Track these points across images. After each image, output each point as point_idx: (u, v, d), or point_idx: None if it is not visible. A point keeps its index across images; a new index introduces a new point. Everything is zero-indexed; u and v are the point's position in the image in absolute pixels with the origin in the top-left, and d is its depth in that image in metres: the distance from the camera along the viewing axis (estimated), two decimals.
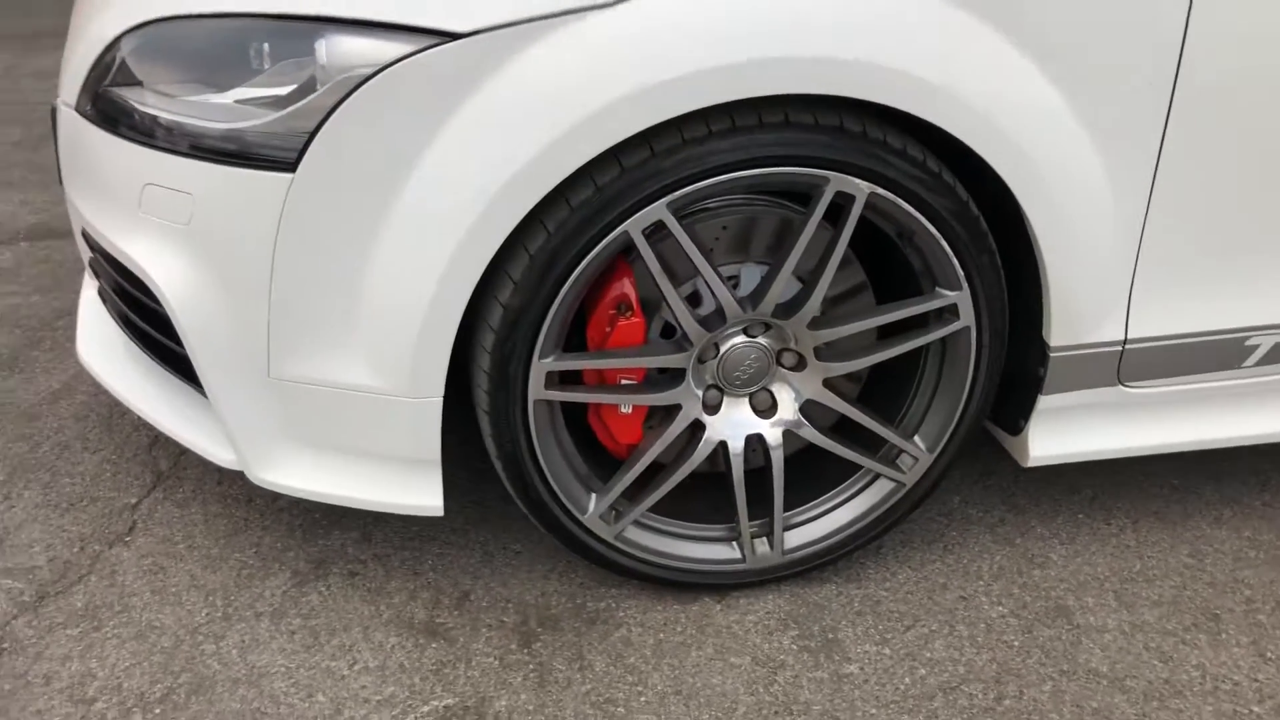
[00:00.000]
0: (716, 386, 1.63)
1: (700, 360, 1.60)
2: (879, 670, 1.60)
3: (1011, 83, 1.42)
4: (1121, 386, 1.69)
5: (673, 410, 1.61)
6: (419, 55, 1.34)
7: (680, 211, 1.47)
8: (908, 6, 1.37)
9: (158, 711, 1.53)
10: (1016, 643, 1.65)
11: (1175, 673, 1.60)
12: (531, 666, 1.61)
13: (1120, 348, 1.64)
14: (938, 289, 1.56)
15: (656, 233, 1.45)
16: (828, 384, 1.65)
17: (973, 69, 1.40)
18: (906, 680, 1.59)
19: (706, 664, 1.61)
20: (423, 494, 1.59)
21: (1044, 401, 1.68)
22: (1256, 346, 1.68)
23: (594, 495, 1.63)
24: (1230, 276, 1.62)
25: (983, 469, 2.02)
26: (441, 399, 1.51)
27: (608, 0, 1.33)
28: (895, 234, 1.54)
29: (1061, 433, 1.72)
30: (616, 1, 1.33)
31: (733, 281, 1.61)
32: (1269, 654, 1.63)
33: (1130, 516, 1.91)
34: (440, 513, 1.58)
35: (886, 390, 1.75)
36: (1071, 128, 1.46)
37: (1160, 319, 1.63)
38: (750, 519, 1.70)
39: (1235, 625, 1.68)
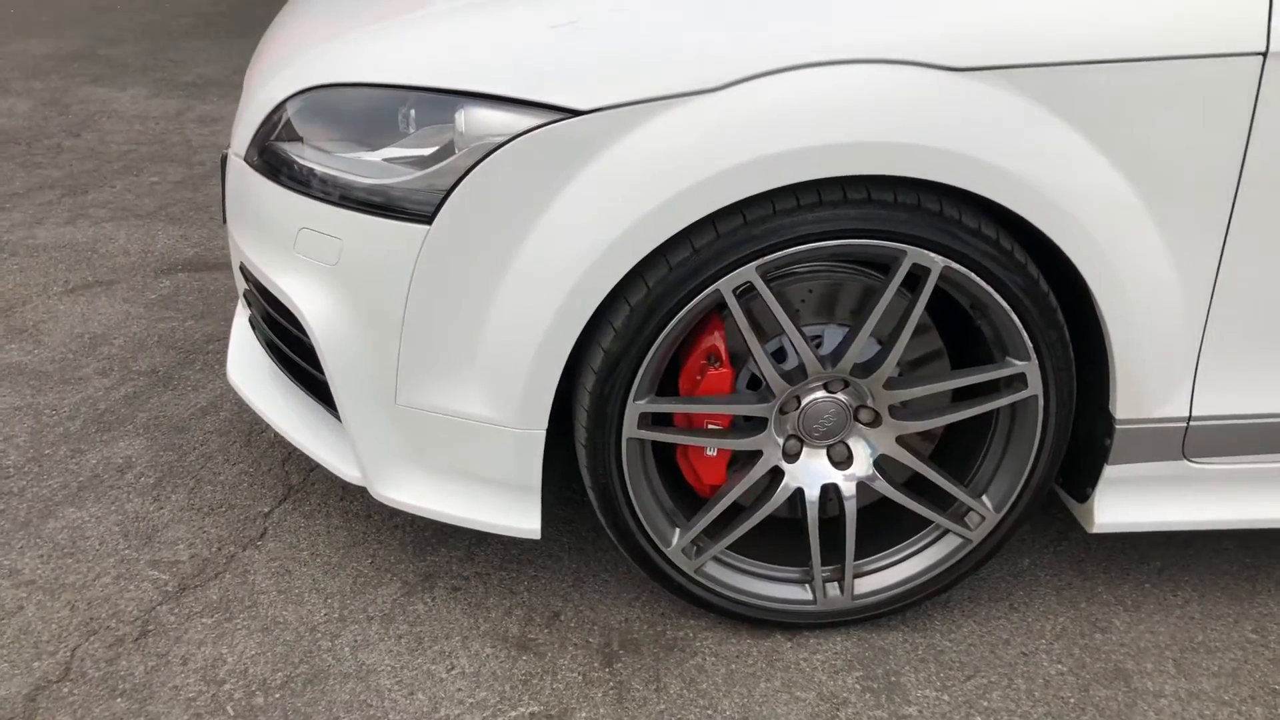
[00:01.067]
0: (797, 437, 1.76)
1: (782, 411, 1.73)
2: (937, 715, 1.70)
3: (1085, 175, 1.54)
4: (1186, 461, 1.77)
5: (754, 456, 1.75)
6: (545, 128, 1.53)
7: (769, 274, 1.62)
8: (995, 106, 1.50)
9: (277, 696, 1.71)
10: (1072, 699, 1.73)
11: None
12: (611, 684, 1.75)
13: (1185, 424, 1.72)
14: (1008, 358, 1.68)
15: (746, 293, 1.61)
16: (902, 441, 1.77)
17: (1049, 161, 1.52)
18: None
19: (773, 695, 1.73)
20: (523, 517, 1.75)
21: (1110, 471, 1.77)
22: None
23: (678, 530, 1.77)
24: None
25: (1055, 535, 2.10)
26: (545, 432, 1.67)
27: (712, 85, 1.50)
28: (969, 305, 1.67)
29: (1127, 502, 1.80)
30: (721, 87, 1.50)
31: (816, 340, 1.75)
32: None
33: (1197, 589, 1.96)
34: (537, 536, 1.74)
35: (958, 450, 1.86)
36: (1141, 219, 1.57)
37: (1224, 399, 1.71)
38: (823, 564, 1.82)
39: None
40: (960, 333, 1.81)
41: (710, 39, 1.52)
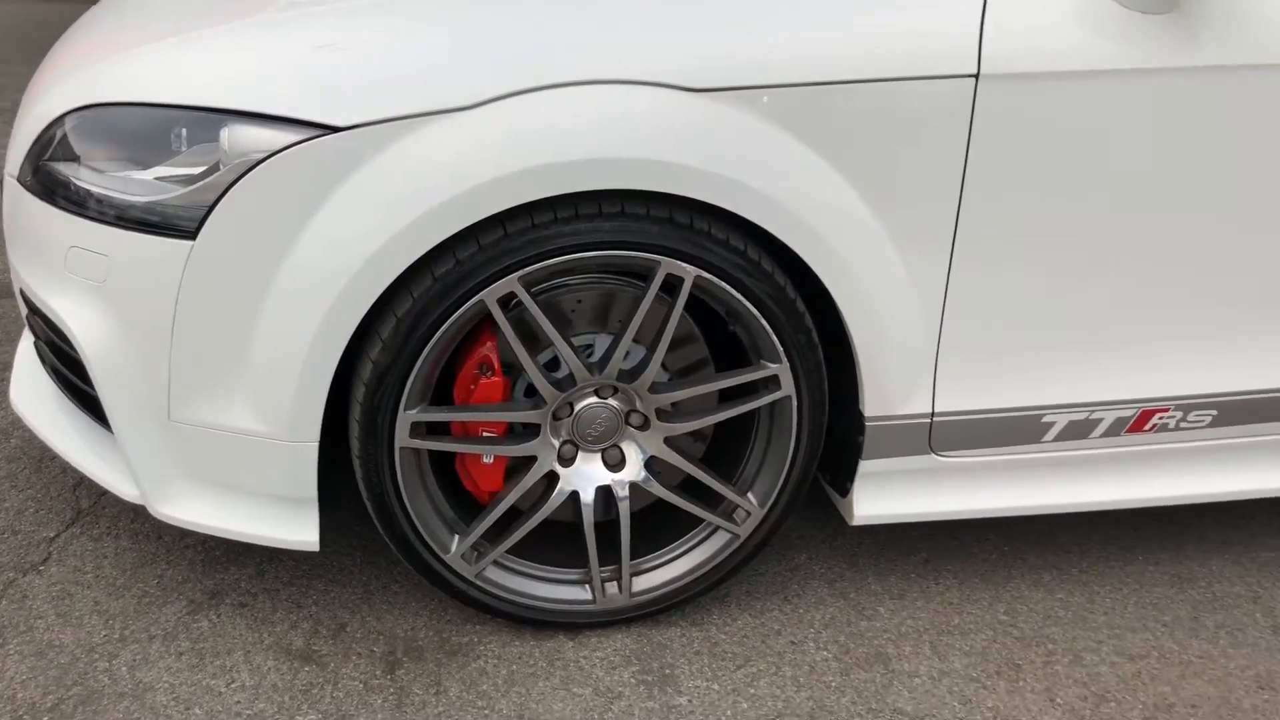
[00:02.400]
0: (572, 441, 1.83)
1: (556, 417, 1.80)
2: (705, 703, 1.78)
3: (822, 190, 1.65)
4: (934, 455, 1.90)
5: (529, 461, 1.81)
6: (304, 144, 1.57)
7: (535, 285, 1.69)
8: (734, 125, 1.60)
9: (46, 719, 1.69)
10: (834, 683, 1.83)
11: (971, 713, 1.78)
12: (392, 690, 1.78)
13: (929, 420, 1.85)
14: (762, 361, 1.78)
15: (517, 303, 1.67)
16: (671, 443, 1.85)
17: (787, 177, 1.63)
18: (729, 713, 1.76)
19: (551, 693, 1.79)
20: (300, 530, 1.77)
21: (865, 466, 1.89)
22: (1053, 424, 1.89)
23: (457, 537, 1.82)
24: (1024, 362, 1.84)
25: (832, 530, 2.21)
26: (317, 444, 1.70)
27: (466, 104, 1.56)
28: (724, 312, 1.76)
29: (883, 495, 1.92)
30: (473, 105, 1.56)
31: (588, 348, 1.82)
32: (1058, 699, 1.82)
33: (958, 577, 2.10)
34: (315, 548, 1.77)
35: (727, 451, 1.95)
36: (876, 231, 1.69)
37: (964, 395, 1.85)
38: (602, 564, 1.89)
39: (1033, 674, 1.87)
40: (731, 339, 1.91)
41: (465, 59, 1.58)
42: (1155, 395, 1.89)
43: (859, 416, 1.84)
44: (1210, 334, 1.87)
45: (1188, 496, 2.00)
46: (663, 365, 1.84)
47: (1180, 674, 1.89)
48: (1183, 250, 1.80)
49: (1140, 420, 1.91)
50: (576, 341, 1.80)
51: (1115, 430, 1.92)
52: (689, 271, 1.67)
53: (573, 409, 1.80)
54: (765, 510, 1.88)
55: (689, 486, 1.90)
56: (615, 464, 1.86)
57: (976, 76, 1.64)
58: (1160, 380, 1.89)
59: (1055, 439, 1.91)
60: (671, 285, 1.70)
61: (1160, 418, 1.92)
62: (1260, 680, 1.88)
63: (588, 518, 1.84)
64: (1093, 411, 1.89)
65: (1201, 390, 1.90)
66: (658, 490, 1.85)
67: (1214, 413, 1.93)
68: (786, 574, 2.09)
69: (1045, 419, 1.89)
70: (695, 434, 1.93)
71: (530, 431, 1.79)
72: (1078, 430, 1.91)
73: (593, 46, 1.59)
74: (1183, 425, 1.93)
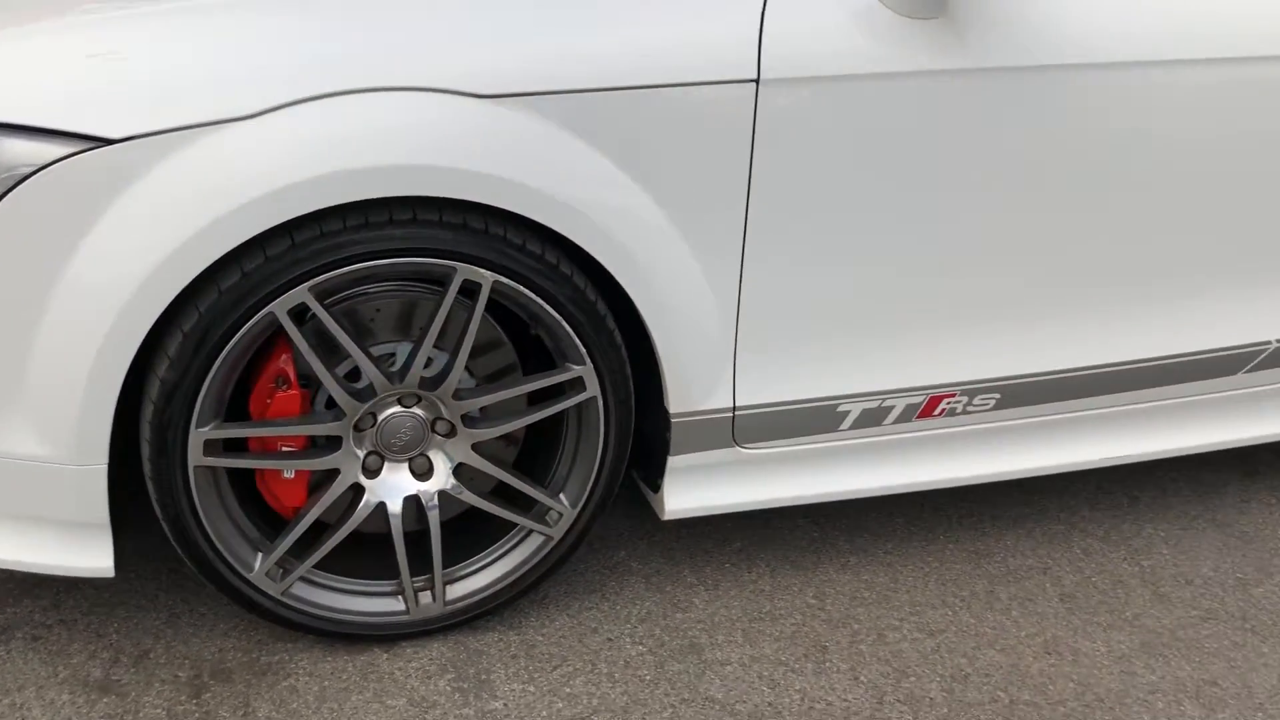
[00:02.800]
0: (377, 452, 1.81)
1: (358, 429, 1.78)
2: (521, 705, 1.79)
3: (614, 193, 1.68)
4: (739, 448, 1.95)
5: (332, 474, 1.78)
6: (76, 157, 1.51)
7: (329, 295, 1.67)
8: (523, 130, 1.61)
9: None
10: (648, 676, 1.87)
11: (780, 696, 1.84)
12: (197, 715, 1.73)
13: (731, 414, 1.91)
14: (566, 364, 1.80)
15: (313, 313, 1.64)
16: (481, 448, 1.85)
17: (578, 181, 1.65)
18: (544, 714, 1.78)
19: (364, 706, 1.77)
20: (93, 557, 1.70)
21: (674, 462, 1.93)
22: (848, 412, 1.97)
23: (260, 555, 1.78)
24: (818, 354, 1.91)
25: (651, 527, 2.25)
26: (106, 466, 1.64)
27: (245, 113, 1.53)
28: (526, 316, 1.78)
29: (692, 489, 1.97)
30: (253, 115, 1.53)
31: (390, 357, 1.81)
32: (862, 678, 1.89)
33: (770, 565, 2.17)
34: (111, 574, 1.70)
35: (540, 454, 1.97)
36: (669, 232, 1.73)
37: (763, 388, 1.91)
38: (416, 574, 1.88)
39: (840, 655, 1.94)
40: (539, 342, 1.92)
41: (248, 68, 1.55)
42: (942, 382, 1.99)
43: (665, 414, 1.88)
44: (991, 321, 1.98)
45: (978, 477, 2.11)
46: (469, 371, 1.84)
47: (975, 645, 1.99)
48: (960, 243, 1.89)
49: (929, 406, 2.01)
50: (378, 350, 1.78)
51: (907, 416, 2.01)
52: (486, 277, 1.68)
53: (376, 419, 1.78)
54: (577, 511, 1.90)
55: (501, 492, 1.91)
56: (423, 473, 1.85)
57: (757, 81, 1.69)
58: (946, 367, 1.99)
59: (852, 427, 1.99)
60: (472, 291, 1.70)
61: (948, 403, 2.02)
62: (1047, 646, 2.00)
63: (396, 528, 1.83)
64: (885, 399, 1.98)
65: (985, 375, 2.01)
66: (468, 498, 1.85)
67: (997, 396, 2.04)
68: (605, 572, 2.12)
69: (841, 408, 1.96)
70: (507, 438, 1.94)
71: (332, 444, 1.77)
72: (872, 418, 1.99)
73: (379, 54, 1.58)
74: (969, 409, 2.04)
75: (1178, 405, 2.21)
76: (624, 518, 2.27)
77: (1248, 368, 2.20)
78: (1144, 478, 2.53)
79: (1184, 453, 2.25)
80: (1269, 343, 2.18)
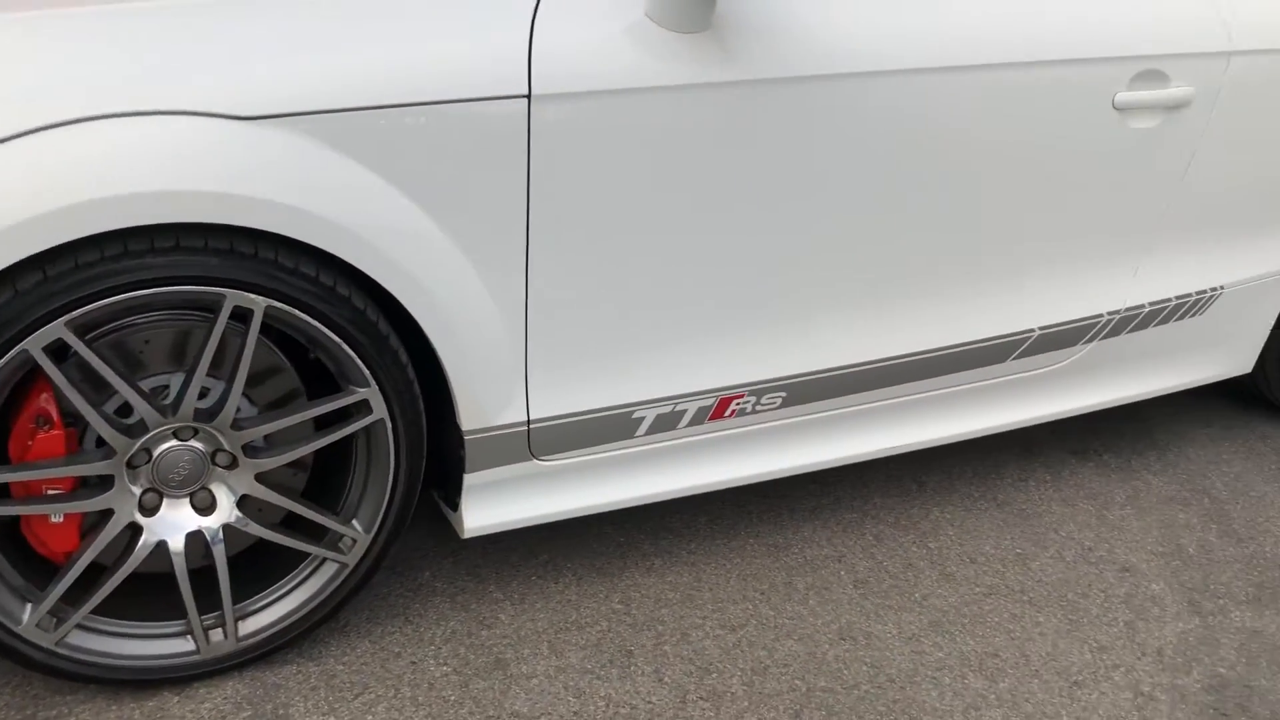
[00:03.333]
0: (155, 489, 1.74)
1: (132, 465, 1.70)
2: None
3: (388, 212, 1.65)
4: (536, 460, 1.96)
5: (106, 514, 1.70)
6: None
7: (91, 329, 1.59)
8: (289, 151, 1.57)
9: None
10: (453, 697, 1.85)
11: (585, 705, 1.86)
12: None
13: (526, 427, 1.91)
14: (351, 386, 1.77)
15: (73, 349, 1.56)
16: (266, 478, 1.80)
17: (350, 200, 1.62)
18: None
19: None
20: None
21: (471, 479, 1.92)
22: (643, 418, 2.00)
23: (30, 605, 1.68)
24: (610, 364, 1.93)
25: (457, 545, 2.23)
26: None
27: None
28: (305, 340, 1.74)
29: (491, 505, 1.96)
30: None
31: (163, 390, 1.73)
32: (666, 678, 1.93)
33: (576, 574, 2.18)
34: None
35: (332, 479, 1.92)
36: (449, 249, 1.72)
37: (557, 400, 1.92)
38: (206, 611, 1.81)
39: (644, 658, 1.97)
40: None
41: None
42: (730, 383, 2.04)
43: (458, 431, 1.87)
44: (773, 322, 2.04)
45: (771, 473, 2.18)
46: (250, 399, 1.78)
47: (775, 636, 2.05)
48: (739, 248, 1.95)
49: (720, 407, 2.06)
50: (151, 383, 1.71)
51: (700, 419, 2.06)
52: (258, 302, 1.63)
53: (151, 455, 1.71)
54: (372, 536, 1.87)
55: (293, 521, 1.86)
56: (205, 508, 1.78)
57: (528, 96, 1.70)
58: (734, 369, 2.04)
59: (648, 432, 2.02)
60: (247, 317, 1.65)
61: (738, 403, 2.07)
62: (842, 632, 2.08)
63: (179, 566, 1.76)
64: (677, 403, 2.02)
65: (771, 375, 2.08)
66: (255, 530, 1.79)
67: (784, 394, 2.11)
68: (409, 594, 2.09)
69: (635, 415, 1.99)
70: (296, 465, 1.89)
71: (104, 483, 1.69)
72: (666, 422, 2.03)
73: (134, 78, 1.51)
74: (759, 409, 2.10)
75: (956, 393, 2.34)
76: (428, 536, 2.25)
77: (1015, 355, 2.34)
78: (931, 463, 2.66)
79: (964, 438, 2.38)
80: (1032, 330, 2.32)
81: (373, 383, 1.76)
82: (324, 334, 1.69)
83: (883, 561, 2.29)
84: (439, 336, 1.76)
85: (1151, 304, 2.45)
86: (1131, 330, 2.47)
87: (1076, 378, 2.48)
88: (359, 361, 1.73)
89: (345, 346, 1.71)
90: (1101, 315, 2.40)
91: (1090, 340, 2.42)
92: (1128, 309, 2.42)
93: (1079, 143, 2.18)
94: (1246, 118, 2.36)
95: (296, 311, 1.66)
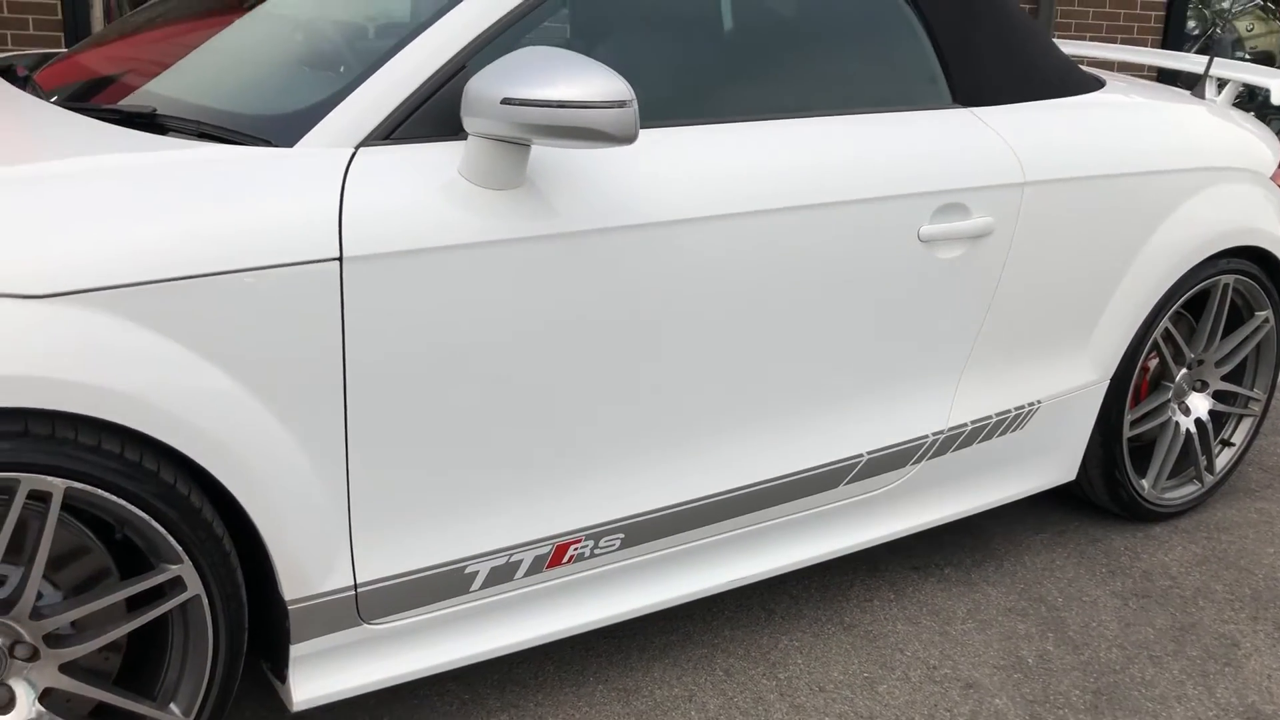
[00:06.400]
0: None
1: None
2: None
3: (196, 382, 1.61)
4: (366, 625, 1.90)
5: None
6: None
7: None
8: (85, 326, 1.53)
9: None
10: None
11: None
12: None
13: (353, 591, 1.86)
14: (162, 564, 1.69)
15: None
16: (72, 668, 1.70)
17: (153, 373, 1.58)
18: None
19: None
20: None
21: (297, 649, 1.85)
22: (477, 572, 1.97)
23: None
24: (437, 521, 1.91)
25: (291, 716, 2.13)
26: None
27: None
28: (112, 519, 1.66)
29: (321, 675, 1.89)
30: None
31: None
32: None
33: None
34: None
35: (149, 662, 1.83)
36: (262, 417, 1.69)
37: (385, 561, 1.87)
38: None
39: None
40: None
41: None
42: (565, 530, 2.03)
43: (282, 601, 1.80)
44: (603, 466, 2.05)
45: (615, 616, 2.16)
46: (54, 584, 1.69)
47: None
48: (565, 396, 1.96)
49: (557, 555, 2.04)
50: None
51: (537, 568, 2.03)
52: (57, 485, 1.56)
53: None
54: (192, 718, 1.77)
55: (108, 709, 1.75)
56: (4, 705, 1.67)
57: (340, 259, 1.70)
58: (566, 515, 2.03)
59: (483, 586, 1.99)
60: (47, 499, 1.57)
61: (575, 549, 2.06)
62: None
63: None
64: (512, 554, 1.99)
65: (606, 519, 2.07)
66: None
67: (621, 535, 2.11)
68: None
69: (468, 569, 1.96)
70: (109, 648, 1.79)
71: None
72: (502, 574, 2.00)
73: None
74: (597, 552, 2.09)
75: (795, 520, 2.37)
76: (263, 709, 2.14)
77: (846, 480, 2.39)
78: (778, 588, 2.68)
79: (806, 564, 2.41)
80: (860, 455, 2.38)
81: (185, 558, 1.69)
82: (130, 511, 1.63)
83: (733, 697, 2.28)
84: (254, 506, 1.71)
85: (973, 422, 2.55)
86: (957, 448, 2.56)
87: (910, 497, 2.54)
88: (170, 538, 1.67)
89: (154, 523, 1.65)
90: (927, 436, 2.48)
91: (919, 460, 2.50)
92: (951, 428, 2.51)
93: (888, 275, 2.28)
94: (1045, 241, 2.51)
95: (100, 490, 1.59)
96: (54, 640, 1.67)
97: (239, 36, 2.16)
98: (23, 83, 2.26)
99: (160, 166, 1.67)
